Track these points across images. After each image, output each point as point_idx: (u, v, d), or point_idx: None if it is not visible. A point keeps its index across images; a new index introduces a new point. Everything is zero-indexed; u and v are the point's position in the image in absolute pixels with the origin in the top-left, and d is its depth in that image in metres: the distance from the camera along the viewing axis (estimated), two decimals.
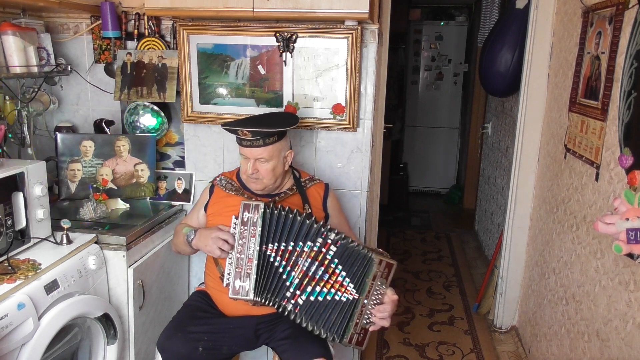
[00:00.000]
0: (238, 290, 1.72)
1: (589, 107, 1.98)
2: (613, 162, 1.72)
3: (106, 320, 1.89)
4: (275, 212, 1.74)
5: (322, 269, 1.72)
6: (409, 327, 3.15)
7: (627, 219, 1.30)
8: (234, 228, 1.76)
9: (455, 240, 4.70)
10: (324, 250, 1.72)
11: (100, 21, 2.30)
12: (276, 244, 1.74)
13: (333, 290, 1.72)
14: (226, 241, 1.74)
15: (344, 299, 1.72)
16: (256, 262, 1.71)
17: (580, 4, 2.16)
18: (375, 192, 2.83)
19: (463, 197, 5.64)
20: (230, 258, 1.75)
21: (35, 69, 2.15)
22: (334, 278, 1.72)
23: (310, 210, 1.91)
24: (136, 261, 2.03)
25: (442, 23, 5.88)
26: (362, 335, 1.73)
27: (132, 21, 2.34)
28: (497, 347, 2.91)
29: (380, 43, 2.38)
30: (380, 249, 1.76)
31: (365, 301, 1.70)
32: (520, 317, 2.98)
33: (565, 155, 2.28)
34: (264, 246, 1.73)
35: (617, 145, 1.67)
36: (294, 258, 1.73)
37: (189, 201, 2.44)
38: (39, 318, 1.58)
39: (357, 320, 1.71)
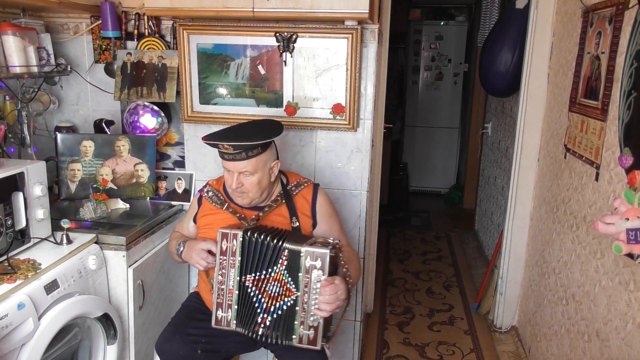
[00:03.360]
0: (220, 320, 1.72)
1: (589, 107, 1.98)
2: (613, 162, 1.72)
3: (106, 320, 1.89)
4: (253, 239, 1.68)
5: (279, 285, 1.69)
6: (409, 327, 3.14)
7: (627, 219, 1.30)
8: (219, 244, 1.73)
9: (455, 240, 4.70)
10: (281, 268, 1.68)
11: (100, 21, 2.31)
12: (253, 274, 1.71)
13: (286, 299, 1.68)
14: (210, 252, 1.74)
15: (291, 302, 1.68)
16: (237, 292, 1.71)
17: (580, 4, 2.16)
18: (375, 192, 2.83)
19: (463, 197, 5.64)
20: (217, 275, 1.74)
21: (35, 69, 2.15)
22: (285, 287, 1.68)
23: (297, 224, 1.86)
24: (136, 261, 2.03)
25: (442, 23, 5.88)
26: (313, 334, 1.67)
27: (132, 21, 2.34)
28: (497, 347, 2.91)
29: (380, 43, 2.38)
30: (331, 240, 1.69)
31: (306, 297, 1.64)
32: (520, 317, 2.98)
33: (565, 155, 2.28)
34: (243, 277, 1.71)
35: (617, 145, 1.67)
36: (264, 285, 1.71)
37: (188, 201, 2.44)
38: (39, 318, 1.58)
39: (302, 319, 1.66)
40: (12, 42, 2.04)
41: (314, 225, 1.90)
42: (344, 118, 2.25)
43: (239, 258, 1.69)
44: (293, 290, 1.67)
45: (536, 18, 2.62)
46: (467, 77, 5.82)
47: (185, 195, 2.45)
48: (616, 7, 1.76)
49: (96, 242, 1.94)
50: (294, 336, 1.68)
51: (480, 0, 4.40)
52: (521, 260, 2.93)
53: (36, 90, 2.27)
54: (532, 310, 2.71)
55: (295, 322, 1.67)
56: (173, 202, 2.44)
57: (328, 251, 1.62)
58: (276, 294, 1.69)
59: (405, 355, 2.85)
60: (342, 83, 2.21)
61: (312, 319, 1.66)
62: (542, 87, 2.68)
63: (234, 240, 1.68)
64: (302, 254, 1.63)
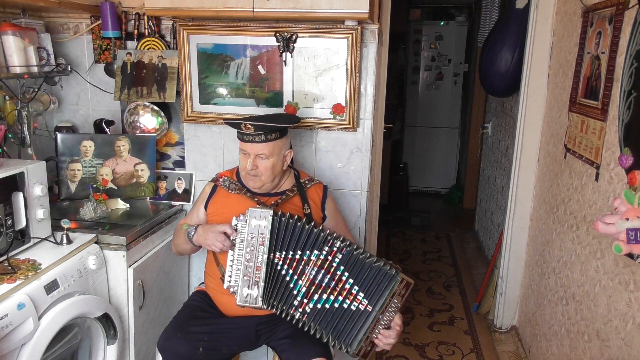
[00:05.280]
0: (246, 298, 1.72)
1: (589, 107, 1.98)
2: (613, 162, 1.72)
3: (106, 320, 1.89)
4: (283, 219, 1.72)
5: (329, 276, 1.72)
6: (409, 327, 3.14)
7: (627, 219, 1.30)
8: (236, 230, 1.76)
9: (455, 240, 4.70)
10: (330, 258, 1.71)
11: (100, 21, 2.31)
12: (284, 253, 1.73)
13: (341, 298, 1.72)
14: (226, 235, 1.73)
15: (353, 308, 1.71)
16: (264, 269, 1.71)
17: (580, 4, 2.16)
18: (375, 192, 2.83)
19: (463, 197, 5.64)
20: (232, 260, 1.74)
21: (35, 69, 2.15)
22: (340, 285, 1.72)
23: (309, 211, 1.91)
24: (136, 261, 2.03)
25: (442, 23, 5.88)
26: (369, 348, 1.73)
27: (132, 21, 2.34)
28: (497, 347, 2.91)
29: (380, 43, 2.38)
30: (391, 262, 1.75)
31: (380, 316, 1.71)
32: (520, 317, 2.98)
33: (565, 155, 2.28)
34: (272, 254, 1.73)
35: (617, 145, 1.67)
36: (301, 267, 1.73)
37: (189, 201, 2.44)
38: (39, 318, 1.58)
39: (369, 334, 1.71)
40: (12, 42, 2.04)
41: (323, 218, 1.97)
42: (344, 118, 2.25)
43: (268, 236, 1.71)
44: (361, 299, 1.70)
45: (536, 18, 2.62)
46: (467, 77, 5.82)
47: (185, 195, 2.45)
48: (616, 7, 1.76)
49: (96, 242, 1.94)
50: (354, 345, 1.72)
51: (480, 0, 4.40)
52: (521, 260, 2.93)
53: (36, 90, 2.27)
54: (532, 310, 2.71)
55: (361, 335, 1.71)
56: (173, 202, 2.44)
57: (413, 283, 1.72)
58: (324, 284, 1.71)
59: (405, 355, 2.85)
60: (342, 83, 2.21)
61: (374, 335, 1.72)
62: (542, 87, 2.68)
63: (264, 219, 1.71)
64: (398, 279, 1.70)
